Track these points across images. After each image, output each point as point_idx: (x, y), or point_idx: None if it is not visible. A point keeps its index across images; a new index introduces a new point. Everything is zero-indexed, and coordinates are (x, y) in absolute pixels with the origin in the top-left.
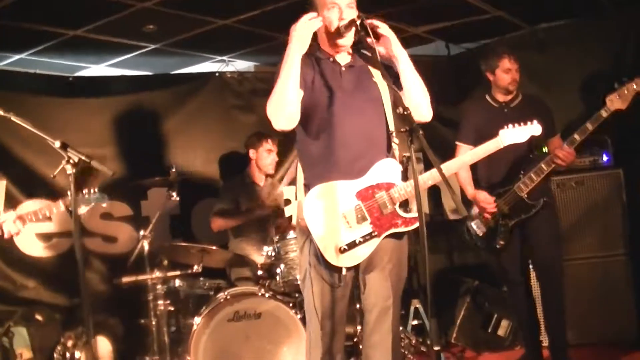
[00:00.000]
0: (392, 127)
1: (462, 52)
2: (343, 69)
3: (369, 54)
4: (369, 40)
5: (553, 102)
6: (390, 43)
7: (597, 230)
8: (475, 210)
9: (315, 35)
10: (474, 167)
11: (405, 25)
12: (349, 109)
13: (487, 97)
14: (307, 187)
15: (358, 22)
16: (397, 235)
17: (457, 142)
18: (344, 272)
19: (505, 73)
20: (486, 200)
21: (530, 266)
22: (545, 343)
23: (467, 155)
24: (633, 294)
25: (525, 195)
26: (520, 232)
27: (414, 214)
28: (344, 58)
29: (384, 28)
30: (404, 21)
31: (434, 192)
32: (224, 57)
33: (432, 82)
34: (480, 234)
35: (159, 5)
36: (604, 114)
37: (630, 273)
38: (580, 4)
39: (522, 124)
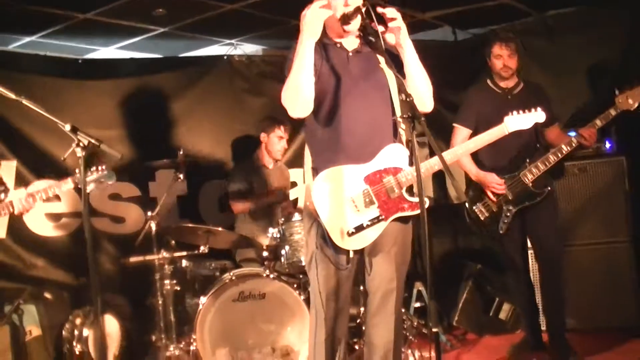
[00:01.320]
0: (398, 113)
1: (469, 37)
2: (350, 54)
3: (374, 40)
4: (374, 26)
5: (561, 89)
6: (399, 32)
7: (600, 216)
8: (474, 194)
9: None
10: (477, 151)
11: (412, 11)
12: (356, 94)
13: (490, 83)
14: (315, 170)
15: (363, 9)
16: (403, 219)
17: (455, 125)
18: (351, 254)
19: (496, 59)
20: (496, 181)
21: (530, 252)
22: (544, 326)
23: (471, 141)
24: (636, 279)
25: (530, 183)
26: (521, 219)
27: None
28: (350, 43)
29: (394, 16)
30: (410, 7)
31: (439, 176)
32: (232, 41)
33: (439, 67)
34: (483, 219)
35: None
36: (613, 112)
37: (633, 259)
38: None
39: (525, 110)
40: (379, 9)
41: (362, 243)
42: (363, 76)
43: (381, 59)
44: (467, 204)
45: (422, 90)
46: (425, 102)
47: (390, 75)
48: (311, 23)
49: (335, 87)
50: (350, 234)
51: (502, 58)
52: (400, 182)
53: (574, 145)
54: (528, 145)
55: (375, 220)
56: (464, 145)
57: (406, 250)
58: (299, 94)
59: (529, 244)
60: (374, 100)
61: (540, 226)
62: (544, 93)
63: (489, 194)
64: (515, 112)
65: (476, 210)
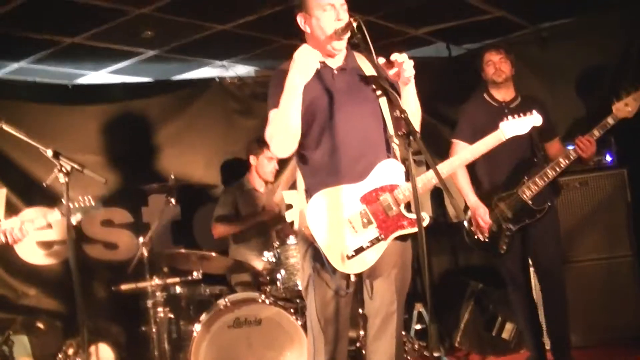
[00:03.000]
0: (390, 128)
1: (464, 52)
2: (335, 72)
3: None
4: (365, 42)
5: (557, 100)
6: (407, 79)
7: (602, 231)
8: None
9: (304, 40)
10: (474, 169)
11: (405, 27)
12: (344, 111)
13: (486, 96)
14: (309, 192)
15: (355, 24)
16: (402, 238)
17: (453, 140)
18: (352, 278)
19: (487, 66)
20: (484, 219)
21: (531, 269)
22: (548, 346)
23: (467, 151)
24: (639, 295)
25: (529, 200)
26: (522, 235)
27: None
28: (335, 61)
29: (404, 60)
30: (404, 23)
31: (437, 194)
32: (224, 62)
33: (434, 83)
34: (482, 239)
35: (157, 11)
36: (610, 121)
37: (636, 274)
38: (583, 1)
39: (521, 115)
40: (392, 56)
41: (363, 266)
42: (350, 92)
43: (369, 74)
44: (465, 224)
45: (415, 120)
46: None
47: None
48: (304, 64)
49: (323, 106)
50: (350, 257)
51: (493, 63)
52: (397, 199)
53: (572, 158)
54: (525, 160)
55: (375, 241)
56: (459, 156)
57: (406, 271)
58: (284, 137)
59: (530, 261)
60: (363, 116)
61: (540, 242)
62: (545, 107)
63: (473, 222)
64: (510, 117)
65: (475, 230)
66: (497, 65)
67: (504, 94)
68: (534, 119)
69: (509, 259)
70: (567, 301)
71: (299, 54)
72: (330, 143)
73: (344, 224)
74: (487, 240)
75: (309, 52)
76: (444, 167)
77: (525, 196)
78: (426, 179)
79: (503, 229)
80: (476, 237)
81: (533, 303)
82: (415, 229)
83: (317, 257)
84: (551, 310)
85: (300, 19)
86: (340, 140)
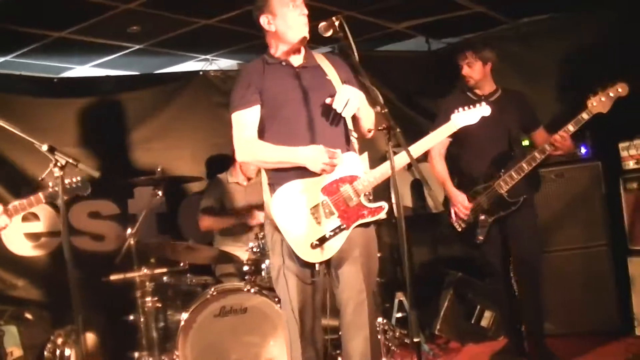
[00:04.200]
0: (349, 123)
1: (443, 47)
2: (297, 70)
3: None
4: (347, 40)
5: (536, 95)
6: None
7: (577, 221)
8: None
9: (264, 39)
10: (456, 160)
11: (385, 22)
12: (305, 108)
13: (467, 91)
14: (272, 186)
15: (337, 23)
16: (364, 225)
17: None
18: (317, 267)
19: (460, 70)
20: (463, 204)
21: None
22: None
23: (424, 139)
24: (615, 283)
25: (505, 193)
26: (500, 226)
27: (379, 203)
28: (296, 60)
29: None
30: (383, 17)
31: (417, 186)
32: (208, 56)
33: (413, 76)
34: (459, 229)
35: (142, 6)
36: (585, 116)
37: (611, 263)
38: None
39: (501, 115)
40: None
41: (327, 254)
42: (312, 89)
43: (329, 71)
44: (452, 216)
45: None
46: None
47: (338, 86)
48: (314, 163)
49: (285, 102)
50: (314, 246)
51: (462, 68)
52: (357, 190)
53: (546, 151)
54: (503, 153)
55: (338, 230)
56: (417, 144)
57: (372, 259)
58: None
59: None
60: (324, 111)
61: (517, 234)
62: (525, 100)
63: (452, 212)
64: (461, 109)
65: (452, 220)
66: (464, 72)
67: (482, 89)
68: (482, 110)
69: (488, 248)
70: (541, 290)
71: (317, 159)
72: (290, 137)
73: (306, 215)
74: (463, 230)
75: (322, 161)
76: (400, 158)
77: (501, 189)
78: (384, 170)
79: (480, 220)
80: (455, 226)
81: (511, 292)
82: (375, 217)
83: (284, 248)
84: (526, 300)
85: (263, 20)
86: (300, 134)
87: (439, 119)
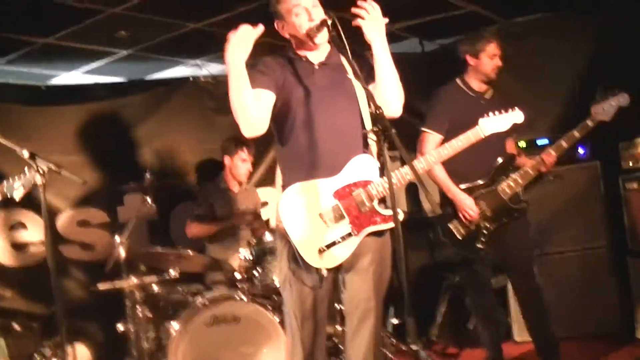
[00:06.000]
0: (367, 124)
1: (436, 48)
2: (316, 67)
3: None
4: (340, 39)
5: (530, 95)
6: (370, 27)
7: (576, 223)
8: (452, 210)
9: (290, 44)
10: (447, 162)
11: None
12: (322, 106)
13: (461, 84)
14: (285, 188)
15: (329, 21)
16: (378, 234)
17: (424, 129)
18: (324, 273)
19: (490, 58)
20: (472, 208)
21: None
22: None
23: (445, 147)
24: (615, 285)
25: (509, 199)
26: (497, 234)
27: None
28: (317, 56)
29: (366, 8)
30: None
31: (413, 189)
32: (198, 61)
33: (407, 78)
34: (460, 237)
35: (130, 10)
36: (590, 124)
37: (611, 264)
38: None
39: (502, 111)
40: (354, 10)
41: (336, 261)
42: (330, 88)
43: (349, 70)
44: (442, 221)
45: (391, 91)
46: (393, 105)
47: (359, 86)
48: (236, 44)
49: (301, 100)
50: (321, 251)
51: (496, 58)
52: (370, 195)
53: (538, 170)
54: (499, 154)
55: (347, 236)
56: (437, 151)
57: (384, 267)
58: (245, 116)
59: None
60: (342, 111)
61: (514, 241)
62: (513, 100)
63: (461, 216)
64: (491, 114)
65: (452, 227)
66: (498, 63)
67: (481, 85)
68: (515, 116)
69: (482, 259)
70: (543, 298)
71: (231, 36)
72: (306, 138)
73: (316, 218)
74: (463, 238)
75: (243, 31)
76: (419, 164)
77: (505, 194)
78: (400, 175)
79: (482, 227)
80: (455, 233)
81: (495, 302)
82: (388, 226)
83: (293, 254)
84: (530, 309)
85: (278, 26)
86: (316, 135)
87: (432, 114)
